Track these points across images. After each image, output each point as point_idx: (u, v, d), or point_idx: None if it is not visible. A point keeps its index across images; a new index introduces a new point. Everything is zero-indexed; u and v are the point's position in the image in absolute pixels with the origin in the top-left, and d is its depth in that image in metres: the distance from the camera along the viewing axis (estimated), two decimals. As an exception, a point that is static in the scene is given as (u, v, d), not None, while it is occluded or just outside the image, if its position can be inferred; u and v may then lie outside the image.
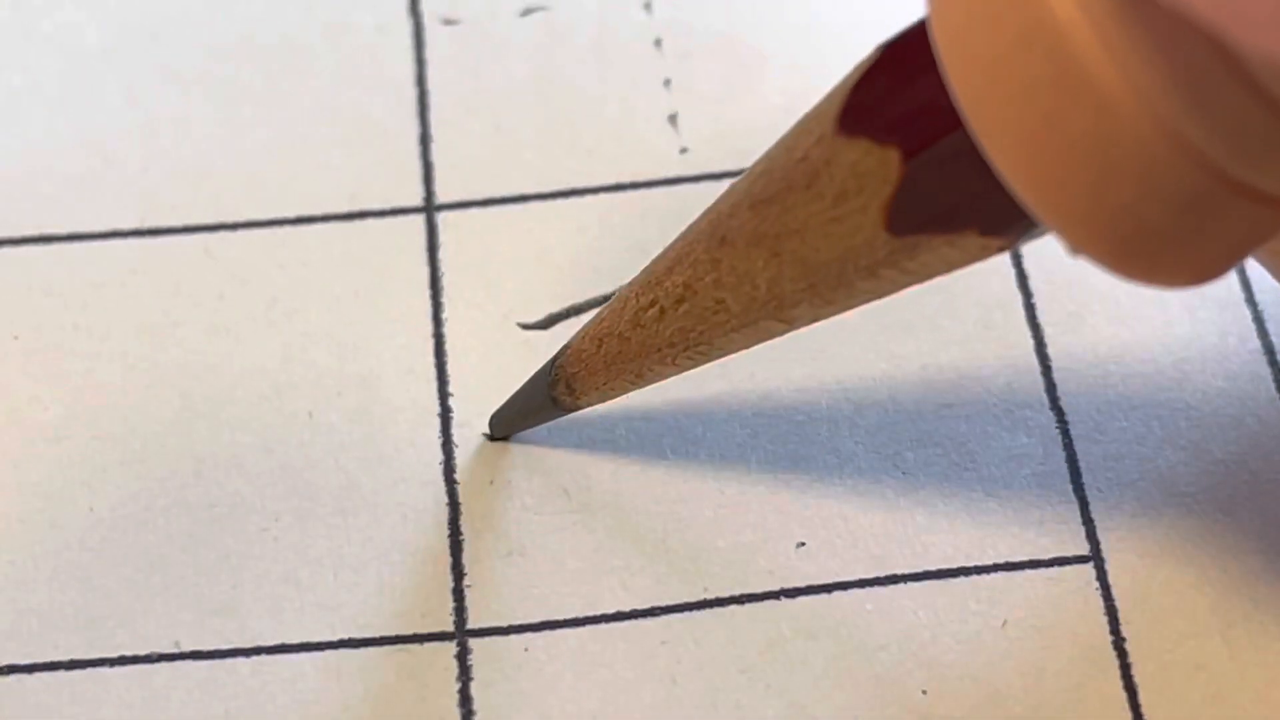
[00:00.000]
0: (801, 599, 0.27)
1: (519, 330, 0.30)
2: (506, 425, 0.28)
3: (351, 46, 0.33)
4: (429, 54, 0.33)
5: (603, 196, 0.31)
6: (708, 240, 0.23)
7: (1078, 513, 0.28)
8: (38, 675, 0.26)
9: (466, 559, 0.27)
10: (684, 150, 0.32)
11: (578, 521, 0.28)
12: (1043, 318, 0.30)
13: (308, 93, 0.33)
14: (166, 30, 0.33)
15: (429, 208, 0.31)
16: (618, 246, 0.31)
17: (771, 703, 0.26)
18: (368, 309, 0.30)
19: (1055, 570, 0.27)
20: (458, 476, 0.28)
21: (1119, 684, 0.26)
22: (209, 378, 0.29)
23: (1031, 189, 0.19)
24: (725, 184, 0.31)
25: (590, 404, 0.27)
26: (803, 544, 0.28)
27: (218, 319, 0.30)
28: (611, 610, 0.27)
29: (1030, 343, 0.29)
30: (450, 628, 0.27)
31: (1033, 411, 0.29)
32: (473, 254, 0.31)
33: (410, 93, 0.33)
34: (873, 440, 0.29)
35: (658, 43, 0.33)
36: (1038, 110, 0.18)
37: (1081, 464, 0.28)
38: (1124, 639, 0.27)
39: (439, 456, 0.28)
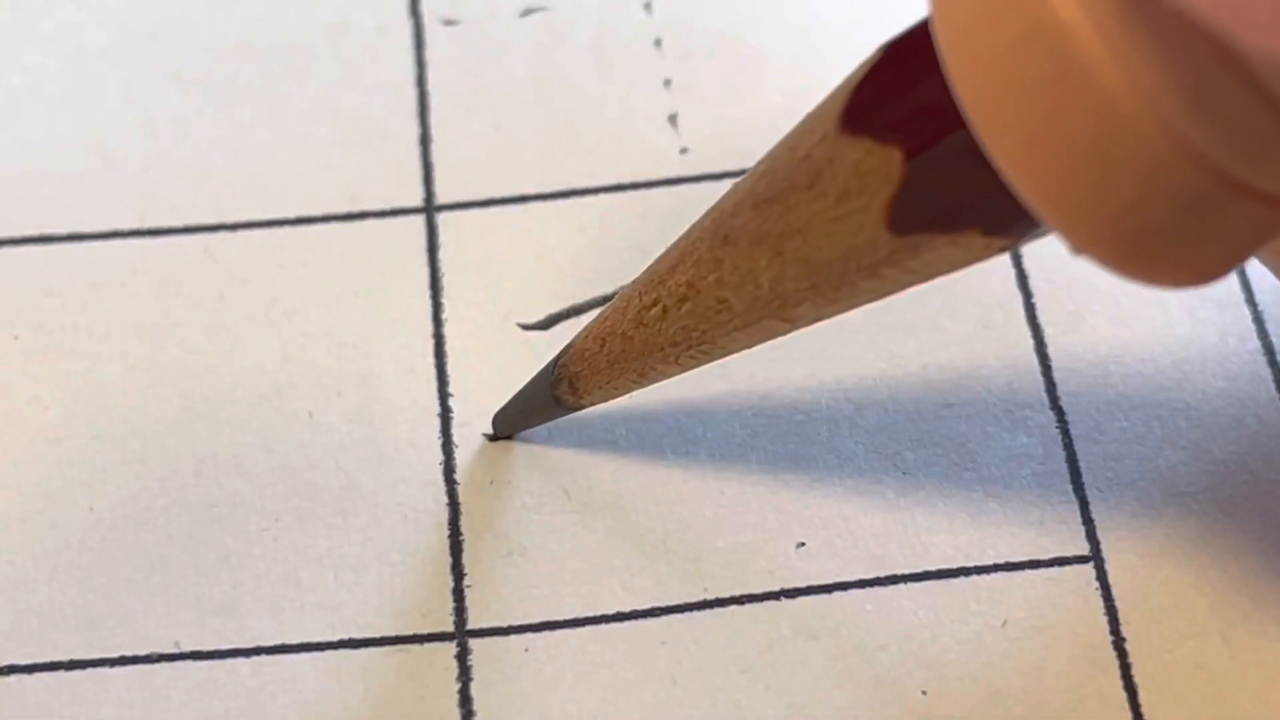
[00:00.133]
0: (801, 599, 0.27)
1: (519, 330, 0.30)
2: (509, 424, 0.28)
3: (352, 47, 0.33)
4: (429, 54, 0.33)
5: (603, 197, 0.31)
6: (711, 239, 0.23)
7: (1078, 513, 0.28)
8: (38, 675, 0.26)
9: (466, 559, 0.27)
10: (684, 150, 0.32)
11: (578, 522, 0.28)
12: (1043, 318, 0.30)
13: (308, 93, 0.33)
14: (166, 30, 0.33)
15: (429, 208, 0.31)
16: (618, 247, 0.31)
17: (771, 703, 0.26)
18: (368, 309, 0.30)
19: (1055, 570, 0.27)
20: (458, 476, 0.28)
21: (1119, 684, 0.26)
22: (209, 378, 0.29)
23: (1033, 188, 0.19)
24: (725, 184, 0.31)
25: (593, 403, 0.27)
26: (803, 544, 0.28)
27: (218, 319, 0.30)
28: (612, 610, 0.27)
29: (1030, 343, 0.29)
30: (450, 628, 0.27)
31: (1033, 411, 0.29)
32: (473, 254, 0.31)
33: (410, 93, 0.33)
34: (873, 440, 0.29)
35: (658, 43, 0.33)
36: (1039, 110, 0.18)
37: (1081, 464, 0.28)
38: (1124, 639, 0.27)
39: (439, 456, 0.28)
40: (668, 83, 0.33)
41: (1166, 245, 0.19)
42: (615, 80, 0.33)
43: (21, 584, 0.27)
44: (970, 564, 0.27)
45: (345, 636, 0.27)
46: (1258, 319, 0.30)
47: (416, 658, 0.27)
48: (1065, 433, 0.29)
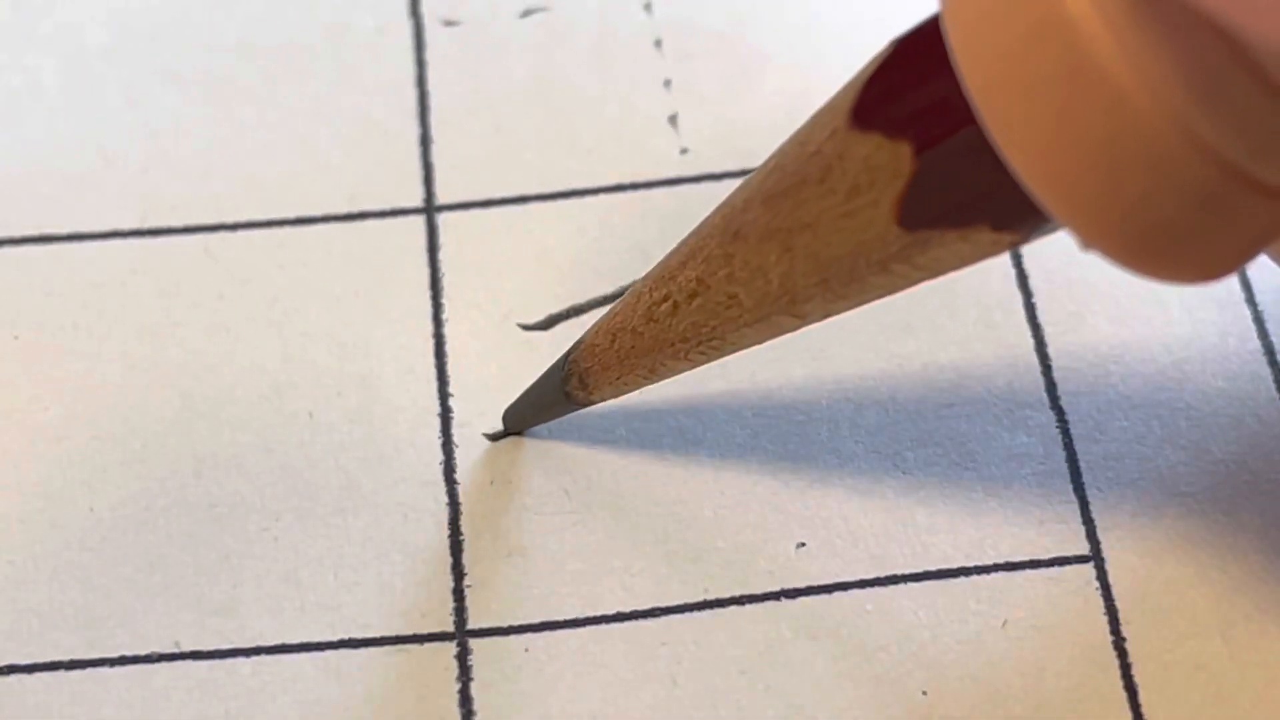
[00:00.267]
0: (802, 599, 0.27)
1: (519, 331, 0.30)
2: (520, 420, 0.28)
3: (352, 47, 0.33)
4: (429, 55, 0.33)
5: (603, 197, 0.31)
6: (721, 235, 0.23)
7: (1078, 513, 0.28)
8: (38, 675, 0.26)
9: (467, 559, 0.27)
10: (684, 151, 0.32)
11: (578, 522, 0.28)
12: (1043, 317, 0.30)
13: (308, 93, 0.33)
14: (166, 31, 0.33)
15: (429, 208, 0.31)
16: (618, 247, 0.31)
17: (772, 703, 0.26)
18: (368, 309, 0.30)
19: (1055, 570, 0.27)
20: (458, 476, 0.28)
21: (1119, 684, 0.26)
22: (209, 378, 0.29)
23: (1043, 183, 0.19)
24: (726, 184, 0.31)
25: (603, 399, 0.27)
26: (803, 544, 0.28)
27: (218, 319, 0.30)
28: (612, 611, 0.27)
29: (1030, 342, 0.29)
30: (450, 628, 0.27)
31: (1033, 411, 0.29)
32: (473, 255, 0.31)
33: (410, 93, 0.33)
34: (873, 440, 0.29)
35: (658, 43, 0.33)
36: (1049, 104, 0.18)
37: (1081, 464, 0.28)
38: (1124, 639, 0.27)
39: (439, 456, 0.28)
40: (668, 83, 0.33)
41: (1176, 241, 0.19)
42: (615, 81, 0.33)
43: (21, 584, 0.27)
44: (970, 564, 0.27)
45: (345, 636, 0.27)
46: (1258, 319, 0.30)
47: (416, 658, 0.27)
48: (1065, 433, 0.28)
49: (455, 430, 0.29)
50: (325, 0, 0.34)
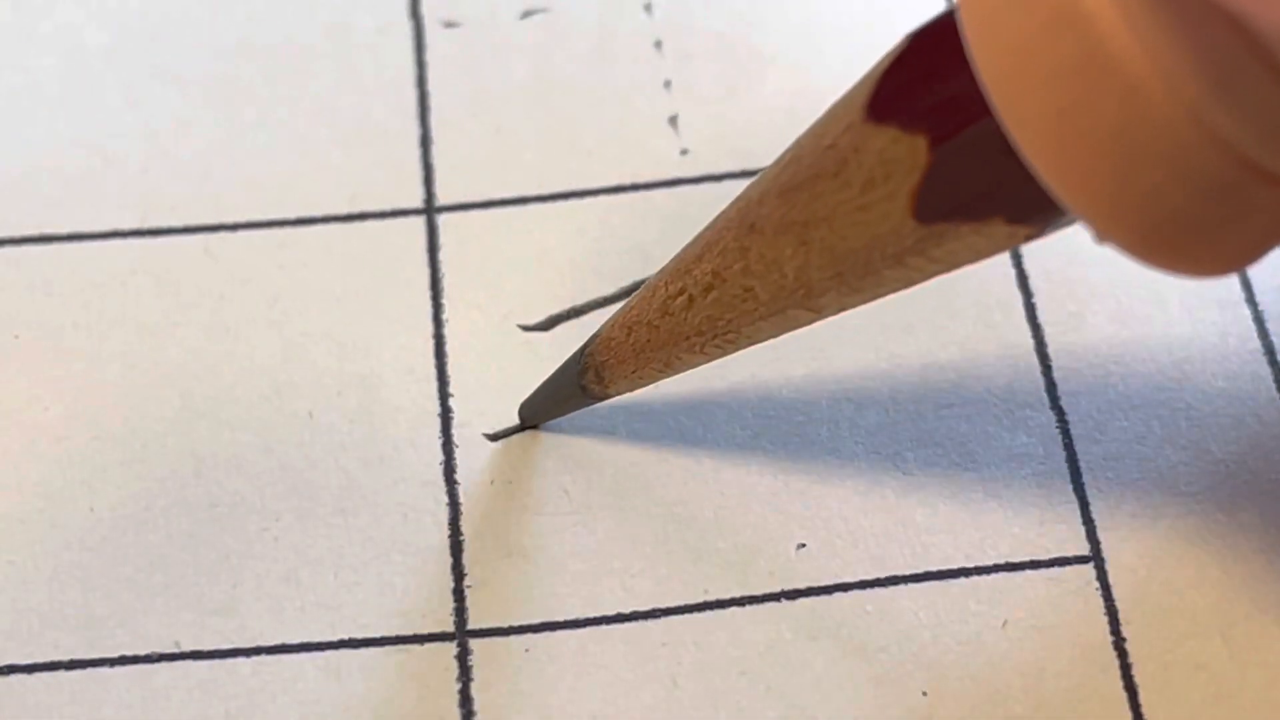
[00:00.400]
0: (802, 600, 0.27)
1: (519, 331, 0.30)
2: (536, 414, 0.28)
3: (352, 48, 0.33)
4: (429, 56, 0.33)
5: (603, 198, 0.31)
6: (737, 228, 0.23)
7: (1078, 513, 0.28)
8: (38, 675, 0.26)
9: (467, 559, 0.27)
10: (684, 152, 0.32)
11: (578, 522, 0.28)
12: (1043, 317, 0.30)
13: (308, 94, 0.33)
14: (166, 31, 0.33)
15: (429, 209, 0.31)
16: (618, 248, 0.31)
17: (772, 704, 0.26)
18: (368, 309, 0.30)
19: (1055, 570, 0.27)
20: (458, 477, 0.28)
21: (1119, 684, 0.26)
22: (209, 378, 0.29)
23: (1058, 175, 0.19)
24: (726, 185, 0.31)
25: (619, 392, 0.27)
26: (803, 545, 0.28)
27: (218, 319, 0.30)
28: (612, 611, 0.27)
29: (1030, 342, 0.29)
30: (450, 628, 0.27)
31: (1033, 411, 0.29)
32: (473, 255, 0.31)
33: (411, 94, 0.33)
34: (873, 440, 0.29)
35: (658, 44, 0.33)
36: (1064, 97, 0.18)
37: (1081, 464, 0.28)
38: (1124, 639, 0.27)
39: (439, 456, 0.28)
40: (668, 84, 0.33)
41: (1190, 232, 0.19)
42: (615, 82, 0.33)
43: (21, 584, 0.27)
44: (970, 564, 0.27)
45: (345, 636, 0.27)
46: (1258, 319, 0.30)
47: (416, 658, 0.27)
48: (1065, 433, 0.28)
49: (455, 430, 0.29)
50: (325, 0, 0.34)
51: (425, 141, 0.32)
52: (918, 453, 0.28)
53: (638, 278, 0.30)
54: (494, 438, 0.29)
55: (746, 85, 0.33)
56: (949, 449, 0.28)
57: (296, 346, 0.30)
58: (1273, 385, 0.29)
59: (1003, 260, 0.30)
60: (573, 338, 0.29)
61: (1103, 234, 0.19)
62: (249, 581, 0.27)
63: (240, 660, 0.27)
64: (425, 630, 0.27)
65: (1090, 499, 0.28)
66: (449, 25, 0.34)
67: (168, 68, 0.33)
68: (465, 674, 0.26)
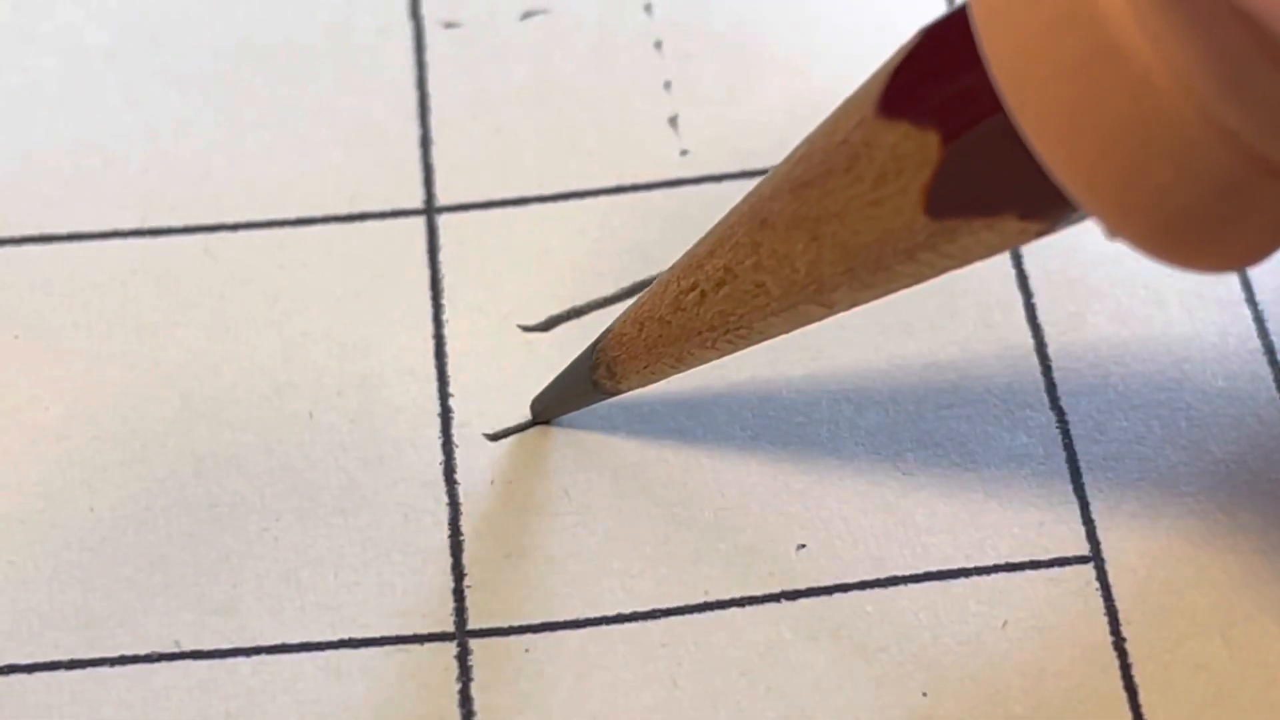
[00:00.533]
0: (802, 601, 0.27)
1: (519, 332, 0.30)
2: (547, 409, 0.28)
3: (352, 48, 0.33)
4: (430, 56, 0.33)
5: (603, 199, 0.31)
6: (748, 223, 0.23)
7: (1078, 513, 0.28)
8: (38, 675, 0.26)
9: (467, 559, 0.27)
10: (684, 152, 0.32)
11: (578, 522, 0.28)
12: (1043, 318, 0.30)
13: (308, 94, 0.33)
14: (166, 31, 0.33)
15: (429, 210, 0.31)
16: (618, 249, 0.31)
17: (772, 705, 0.26)
18: (368, 310, 0.30)
19: (1055, 570, 0.27)
20: (458, 477, 0.28)
21: (1119, 684, 0.26)
22: (209, 378, 0.29)
23: (1069, 171, 0.19)
24: (726, 186, 0.31)
25: (631, 388, 0.27)
26: (803, 546, 0.28)
27: (218, 319, 0.30)
28: (612, 612, 0.27)
29: (1030, 343, 0.29)
30: (450, 628, 0.27)
31: (1033, 411, 0.29)
32: (473, 256, 0.31)
33: (411, 95, 0.33)
34: (873, 440, 0.29)
35: (658, 45, 0.33)
36: (1075, 93, 0.19)
37: (1081, 464, 0.28)
38: (1124, 639, 0.27)
39: (439, 457, 0.28)
40: (668, 84, 0.33)
41: (1202, 228, 0.19)
42: (616, 82, 0.33)
43: (21, 584, 0.27)
44: (970, 564, 0.27)
45: (345, 636, 0.27)
46: (1258, 319, 0.30)
47: (416, 658, 0.27)
48: (1065, 433, 0.28)
49: (455, 430, 0.29)
50: (325, 1, 0.34)
51: (425, 142, 0.32)
52: (918, 453, 0.28)
53: (638, 278, 0.30)
54: (494, 438, 0.29)
55: (747, 86, 0.33)
56: (949, 449, 0.28)
57: (296, 346, 0.30)
58: (1273, 385, 0.29)
59: (1003, 260, 0.30)
60: (573, 338, 0.29)
61: (1113, 230, 0.19)
62: (249, 581, 0.27)
63: (240, 660, 0.27)
64: (425, 630, 0.27)
65: (1090, 499, 0.28)
66: (449, 26, 0.34)
67: (168, 68, 0.33)
68: (465, 674, 0.26)
